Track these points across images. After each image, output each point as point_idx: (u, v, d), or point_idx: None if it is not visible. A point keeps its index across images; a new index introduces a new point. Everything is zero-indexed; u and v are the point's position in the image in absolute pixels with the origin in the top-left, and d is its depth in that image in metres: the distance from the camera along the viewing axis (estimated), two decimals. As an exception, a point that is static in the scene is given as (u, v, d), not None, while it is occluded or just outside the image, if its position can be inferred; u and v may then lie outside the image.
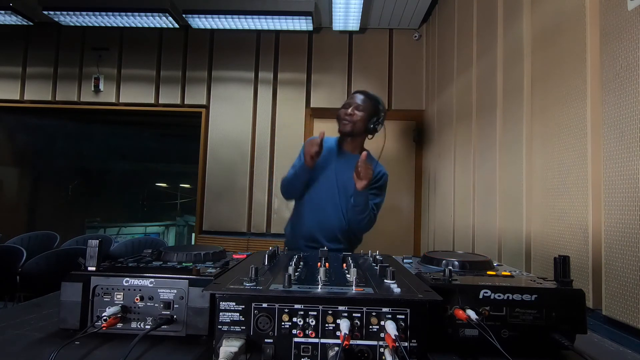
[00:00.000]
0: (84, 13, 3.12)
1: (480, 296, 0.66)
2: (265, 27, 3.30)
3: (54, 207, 5.35)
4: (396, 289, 0.62)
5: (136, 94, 3.63)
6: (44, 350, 0.61)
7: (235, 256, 0.94)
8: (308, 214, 1.72)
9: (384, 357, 0.57)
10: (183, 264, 0.80)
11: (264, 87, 3.57)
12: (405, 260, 0.97)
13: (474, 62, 2.16)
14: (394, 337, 0.54)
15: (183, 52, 3.64)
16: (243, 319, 0.58)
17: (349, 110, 1.68)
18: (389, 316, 0.57)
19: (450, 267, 0.79)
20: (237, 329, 0.58)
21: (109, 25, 3.39)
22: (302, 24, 3.22)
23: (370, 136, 1.77)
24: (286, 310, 0.58)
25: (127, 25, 3.36)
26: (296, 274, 0.72)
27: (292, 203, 1.85)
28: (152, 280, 0.68)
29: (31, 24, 3.44)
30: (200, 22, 3.24)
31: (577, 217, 1.21)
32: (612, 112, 1.08)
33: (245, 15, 3.08)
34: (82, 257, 0.71)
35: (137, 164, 7.38)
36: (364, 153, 1.54)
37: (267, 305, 0.58)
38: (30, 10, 3.25)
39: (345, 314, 0.58)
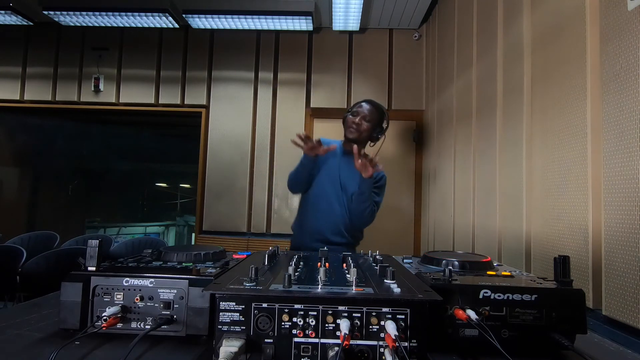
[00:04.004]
0: (84, 13, 3.12)
1: (480, 296, 0.66)
2: (265, 27, 3.30)
3: (54, 207, 5.35)
4: (396, 289, 0.62)
5: (136, 94, 3.63)
6: (44, 350, 0.61)
7: (235, 256, 0.94)
8: (315, 209, 1.80)
9: (384, 357, 0.57)
10: (183, 264, 0.80)
11: (264, 87, 3.57)
12: (405, 260, 0.97)
13: (474, 62, 2.16)
14: (394, 337, 0.54)
15: (183, 52, 3.64)
16: (243, 319, 0.58)
17: (357, 120, 1.77)
18: (389, 316, 0.57)
19: (450, 267, 0.79)
20: (237, 329, 0.58)
21: (109, 25, 3.39)
22: (302, 24, 3.22)
23: (372, 143, 1.87)
24: (286, 310, 0.58)
25: (127, 25, 3.36)
26: (296, 274, 0.72)
27: (293, 203, 1.87)
28: (152, 280, 0.68)
29: (31, 24, 3.44)
30: (200, 22, 3.24)
31: (577, 217, 1.21)
32: (612, 112, 1.08)
33: (245, 15, 3.08)
34: (82, 257, 0.71)
35: (137, 164, 7.37)
36: (355, 147, 1.60)
37: (267, 305, 0.58)
38: (30, 10, 3.25)
39: (345, 314, 0.58)
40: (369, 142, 1.86)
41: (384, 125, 1.85)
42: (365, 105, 1.80)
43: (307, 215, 1.82)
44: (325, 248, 0.90)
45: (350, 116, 1.80)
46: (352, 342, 0.57)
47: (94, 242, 0.71)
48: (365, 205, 1.70)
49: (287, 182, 1.86)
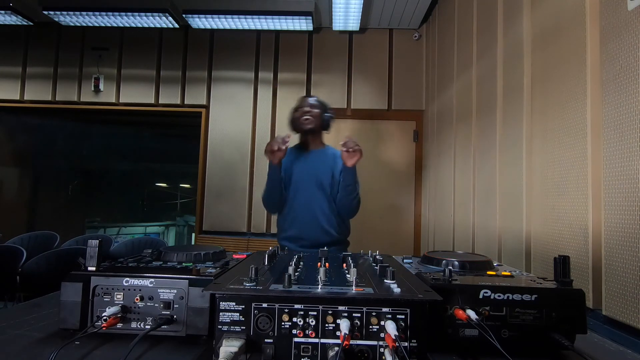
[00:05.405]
0: (84, 13, 3.12)
1: (480, 296, 0.66)
2: (265, 27, 3.30)
3: (54, 207, 5.35)
4: (396, 289, 0.62)
5: (136, 94, 3.63)
6: (44, 350, 0.61)
7: (235, 256, 0.94)
8: (291, 215, 1.80)
9: (384, 357, 0.57)
10: (183, 264, 0.80)
11: (264, 87, 3.57)
12: (405, 260, 0.97)
13: (474, 62, 2.16)
14: (394, 337, 0.54)
15: (183, 52, 3.63)
16: (243, 319, 0.58)
17: (306, 109, 1.83)
18: (389, 316, 0.57)
19: (450, 267, 0.79)
20: (237, 329, 0.58)
21: (109, 25, 3.39)
22: (302, 24, 3.21)
23: (326, 131, 1.92)
24: (286, 310, 0.58)
25: (127, 25, 3.35)
26: (296, 274, 0.72)
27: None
28: (152, 280, 0.68)
29: (31, 24, 3.43)
30: (200, 22, 3.24)
31: (577, 217, 1.21)
32: (612, 112, 1.08)
33: (245, 15, 3.08)
34: (82, 257, 0.71)
35: (137, 164, 7.36)
36: (348, 135, 1.68)
37: (267, 305, 0.58)
38: (30, 10, 3.25)
39: (345, 314, 0.58)
40: (323, 130, 1.90)
41: (329, 111, 1.91)
42: (306, 99, 1.89)
43: (286, 222, 1.80)
44: (325, 248, 0.90)
45: (297, 113, 1.84)
46: (352, 342, 0.57)
47: (94, 242, 0.71)
48: (353, 196, 1.71)
49: (264, 205, 1.85)
